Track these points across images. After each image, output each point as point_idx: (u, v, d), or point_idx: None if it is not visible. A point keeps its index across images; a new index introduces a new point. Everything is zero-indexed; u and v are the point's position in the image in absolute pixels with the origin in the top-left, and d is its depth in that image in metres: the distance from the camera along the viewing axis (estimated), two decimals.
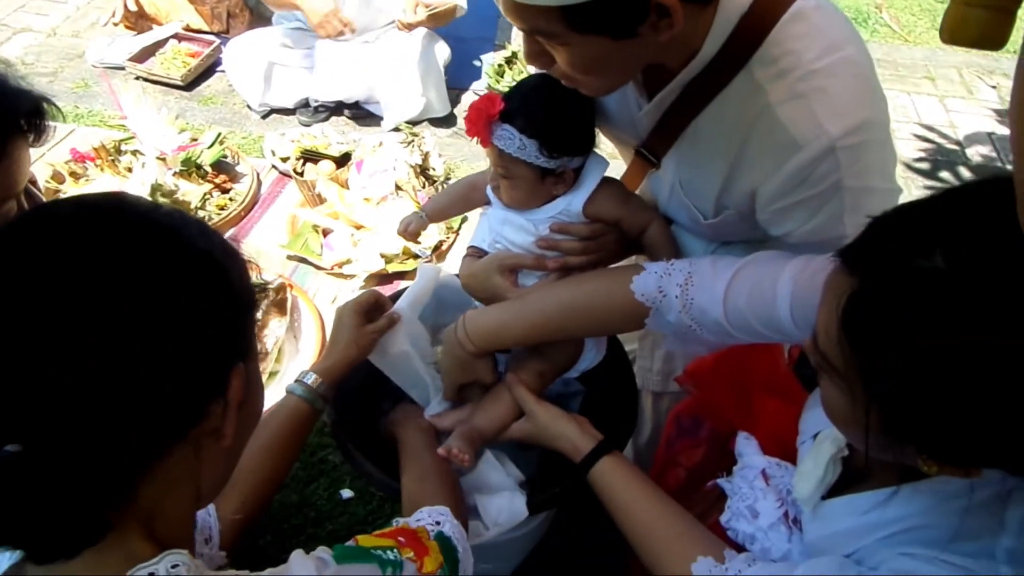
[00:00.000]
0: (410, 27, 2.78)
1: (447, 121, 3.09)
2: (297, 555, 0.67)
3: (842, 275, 0.69)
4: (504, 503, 1.09)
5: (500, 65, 3.24)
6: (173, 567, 0.56)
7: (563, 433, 1.07)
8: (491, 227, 1.22)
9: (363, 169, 2.39)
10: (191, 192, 2.49)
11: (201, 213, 2.48)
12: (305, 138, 2.57)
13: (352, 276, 2.26)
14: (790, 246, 1.03)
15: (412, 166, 2.44)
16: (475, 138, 1.09)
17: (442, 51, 3.03)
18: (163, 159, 2.52)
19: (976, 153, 3.04)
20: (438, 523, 0.83)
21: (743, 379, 1.22)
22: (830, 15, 0.91)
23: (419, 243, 2.28)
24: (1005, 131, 3.16)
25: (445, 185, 2.50)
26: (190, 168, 2.53)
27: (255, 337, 0.69)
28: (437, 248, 2.33)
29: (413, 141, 2.47)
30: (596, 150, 1.18)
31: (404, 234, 1.34)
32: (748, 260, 1.01)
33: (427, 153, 2.45)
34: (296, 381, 1.08)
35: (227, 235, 2.48)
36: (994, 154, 3.04)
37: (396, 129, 2.99)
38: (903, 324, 0.61)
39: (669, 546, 0.94)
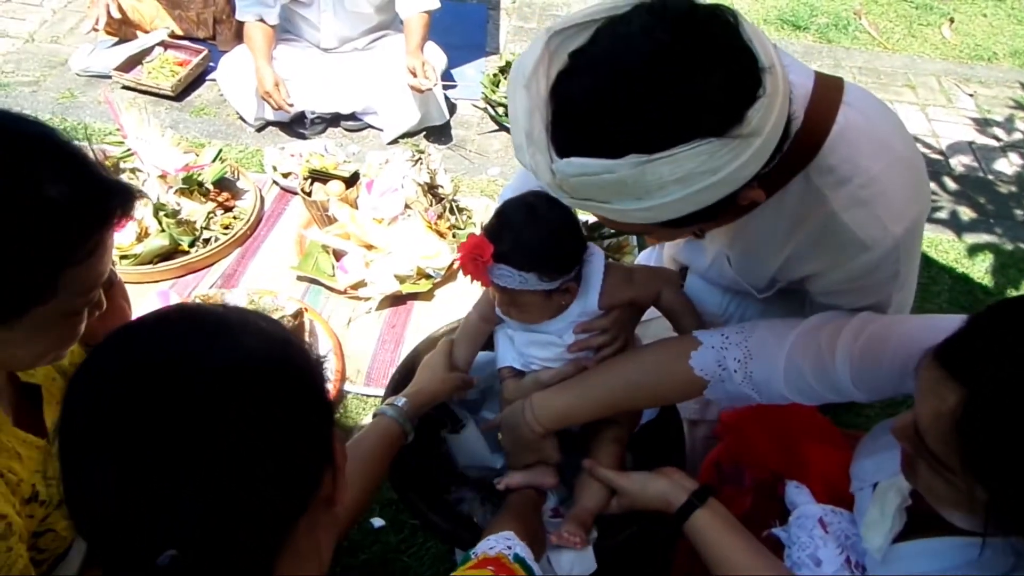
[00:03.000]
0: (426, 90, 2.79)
1: (445, 131, 3.08)
2: None
3: (944, 378, 0.73)
4: (574, 555, 1.12)
5: (495, 75, 3.24)
6: None
7: (656, 495, 1.11)
8: (519, 351, 1.26)
9: (373, 189, 2.38)
10: (195, 211, 2.46)
11: (207, 233, 2.45)
12: (314, 158, 2.54)
13: (368, 299, 2.26)
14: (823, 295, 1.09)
15: (420, 184, 2.44)
16: (475, 281, 1.12)
17: (439, 59, 3.02)
18: (163, 177, 2.47)
19: (959, 163, 3.15)
20: (509, 547, 0.88)
21: (783, 427, 1.28)
22: (872, 113, 0.97)
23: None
24: (985, 140, 3.28)
25: (454, 202, 2.50)
26: (192, 186, 2.49)
27: None
28: (449, 268, 2.34)
29: (420, 159, 2.46)
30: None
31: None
32: (802, 330, 1.05)
33: (435, 171, 2.45)
34: (387, 404, 1.16)
35: (233, 254, 2.45)
36: (976, 164, 3.14)
37: (395, 142, 2.99)
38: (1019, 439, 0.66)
39: None
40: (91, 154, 0.89)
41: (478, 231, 2.47)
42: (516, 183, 1.44)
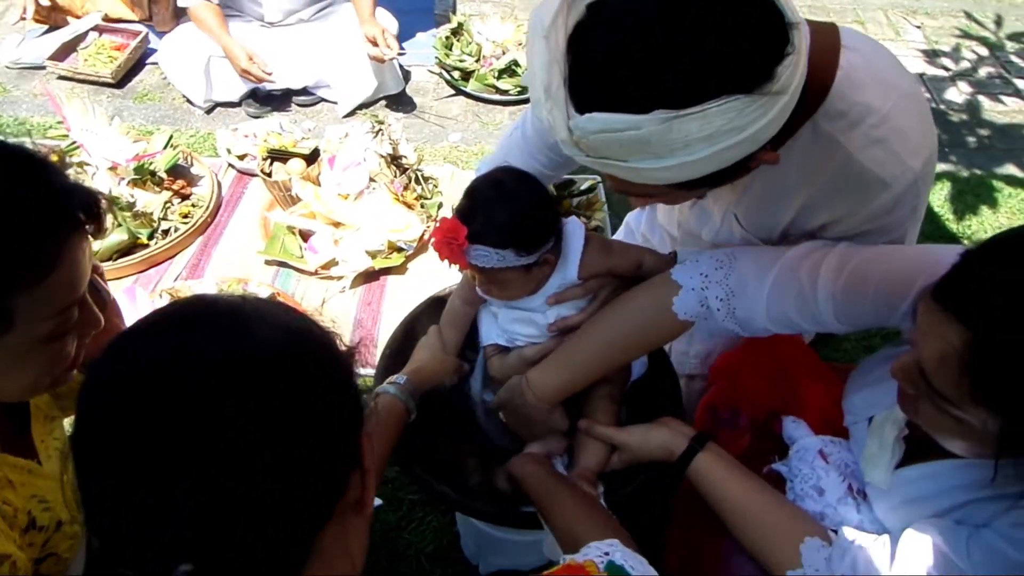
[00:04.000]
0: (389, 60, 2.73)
1: (401, 99, 3.02)
2: None
3: (946, 320, 0.74)
4: None
5: (447, 38, 3.17)
6: None
7: (657, 445, 1.12)
8: (503, 327, 1.26)
9: (335, 164, 2.33)
10: (150, 202, 2.37)
11: (165, 224, 2.37)
12: (271, 137, 2.47)
13: (340, 277, 2.22)
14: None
15: (383, 156, 2.39)
16: (453, 264, 1.10)
17: (391, 25, 2.93)
18: (113, 169, 2.38)
19: None
20: (607, 554, 0.84)
21: (775, 366, 1.29)
22: (871, 54, 0.96)
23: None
24: (935, 71, 3.33)
25: (419, 171, 2.46)
26: (144, 176, 2.40)
27: None
28: (420, 239, 2.31)
29: (381, 130, 2.41)
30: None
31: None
32: (782, 266, 1.05)
33: (396, 141, 2.40)
34: (388, 382, 1.14)
35: (196, 243, 2.38)
36: (928, 95, 3.19)
37: (352, 114, 2.92)
38: None
39: (775, 531, 1.01)
40: (35, 154, 0.80)
41: (445, 199, 2.47)
42: (496, 156, 1.41)
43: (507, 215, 1.07)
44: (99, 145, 2.31)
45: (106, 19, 3.19)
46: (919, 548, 0.90)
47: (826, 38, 0.93)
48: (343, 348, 0.65)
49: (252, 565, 0.54)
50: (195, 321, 0.58)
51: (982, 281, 0.73)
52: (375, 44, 2.67)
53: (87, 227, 0.82)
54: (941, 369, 0.75)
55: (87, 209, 0.81)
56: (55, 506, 0.96)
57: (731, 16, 0.72)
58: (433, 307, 1.39)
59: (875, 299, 0.97)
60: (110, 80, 2.97)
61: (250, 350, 0.57)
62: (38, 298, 0.77)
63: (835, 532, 1.01)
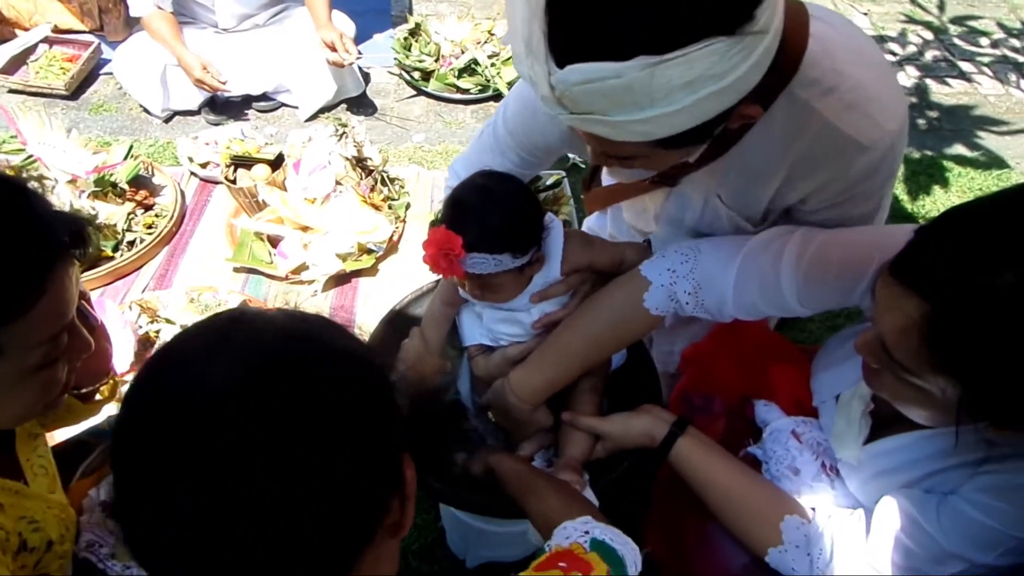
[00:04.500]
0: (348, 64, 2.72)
1: (362, 101, 3.01)
2: None
3: (904, 294, 0.78)
4: None
5: (406, 38, 3.17)
6: None
7: (640, 432, 1.15)
8: (487, 327, 1.27)
9: (301, 169, 2.32)
10: (113, 214, 2.34)
11: (130, 235, 2.34)
12: (234, 143, 2.45)
13: (312, 281, 2.22)
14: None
15: (348, 159, 2.39)
16: (448, 276, 1.09)
17: (348, 27, 2.92)
18: (73, 182, 2.34)
19: None
20: (587, 532, 0.85)
21: (744, 352, 1.33)
22: (839, 23, 0.98)
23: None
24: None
25: (384, 173, 2.46)
26: (105, 188, 2.36)
27: None
28: (389, 240, 2.32)
29: (344, 132, 2.41)
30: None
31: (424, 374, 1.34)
32: (745, 254, 1.08)
33: (361, 143, 2.40)
34: None
35: (161, 254, 2.36)
36: None
37: (314, 117, 2.91)
38: (991, 340, 0.71)
39: (755, 510, 1.04)
40: (16, 182, 0.78)
41: (412, 199, 2.47)
42: (466, 156, 1.41)
43: (500, 219, 1.07)
44: (57, 158, 2.27)
45: (55, 30, 3.13)
46: (892, 519, 0.95)
47: (795, 7, 0.94)
48: (389, 373, 0.64)
49: None
50: (234, 340, 0.58)
51: (935, 255, 0.77)
52: (333, 49, 2.66)
53: (73, 252, 0.81)
54: (901, 341, 0.79)
55: (72, 236, 0.80)
56: (45, 526, 0.95)
57: None
58: (409, 307, 1.41)
59: (836, 280, 1.01)
60: (64, 92, 2.92)
61: (290, 365, 0.56)
62: (26, 328, 0.77)
63: (814, 510, 1.05)
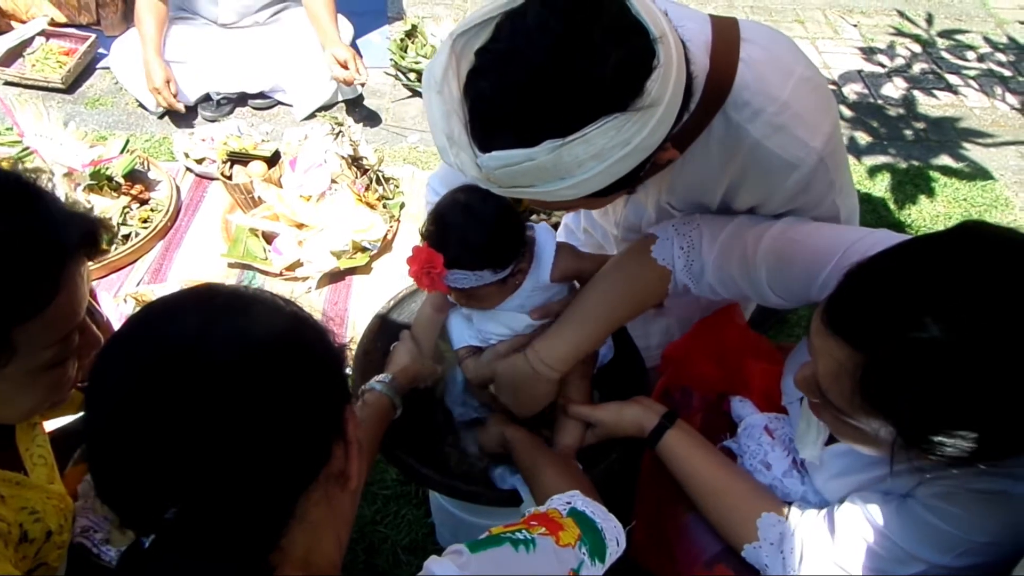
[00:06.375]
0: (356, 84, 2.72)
1: (358, 103, 3.03)
2: (432, 559, 0.74)
3: (838, 345, 0.80)
4: None
5: (402, 40, 3.20)
6: None
7: (630, 422, 1.18)
8: (477, 328, 1.31)
9: (297, 166, 2.34)
10: (108, 208, 2.36)
11: (125, 229, 2.36)
12: (231, 140, 2.47)
13: (306, 278, 2.24)
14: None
15: (344, 157, 2.41)
16: (432, 291, 1.16)
17: (346, 29, 2.95)
18: (69, 175, 2.35)
19: (851, 91, 3.33)
20: (569, 503, 0.89)
21: (721, 349, 1.37)
22: (769, 43, 1.04)
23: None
24: (872, 68, 3.48)
25: (379, 172, 2.49)
26: (101, 182, 2.38)
27: None
28: (384, 239, 2.34)
29: (341, 131, 2.43)
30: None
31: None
32: (730, 230, 1.13)
33: (357, 143, 2.43)
34: (375, 380, 1.20)
35: (156, 248, 2.37)
36: (866, 90, 3.34)
37: (311, 116, 2.92)
38: (922, 388, 0.73)
39: (736, 505, 1.08)
40: (29, 183, 0.79)
41: (407, 199, 2.50)
42: (443, 171, 1.46)
43: (479, 238, 1.11)
44: (54, 150, 2.28)
45: (52, 24, 3.14)
46: (856, 521, 0.98)
47: (726, 32, 1.01)
48: (333, 335, 0.72)
49: (236, 514, 0.61)
50: (204, 303, 0.66)
51: (864, 305, 0.79)
52: (344, 67, 2.64)
53: (86, 251, 0.82)
54: (835, 386, 0.82)
55: (84, 236, 0.81)
56: (45, 516, 0.96)
57: (598, 46, 0.78)
58: (403, 302, 1.43)
59: (800, 271, 1.05)
60: (60, 85, 2.93)
61: (244, 325, 0.65)
62: (40, 327, 0.78)
63: (790, 505, 1.08)
